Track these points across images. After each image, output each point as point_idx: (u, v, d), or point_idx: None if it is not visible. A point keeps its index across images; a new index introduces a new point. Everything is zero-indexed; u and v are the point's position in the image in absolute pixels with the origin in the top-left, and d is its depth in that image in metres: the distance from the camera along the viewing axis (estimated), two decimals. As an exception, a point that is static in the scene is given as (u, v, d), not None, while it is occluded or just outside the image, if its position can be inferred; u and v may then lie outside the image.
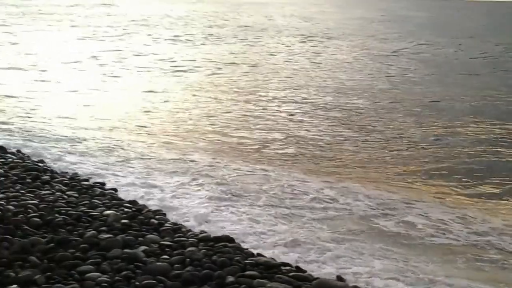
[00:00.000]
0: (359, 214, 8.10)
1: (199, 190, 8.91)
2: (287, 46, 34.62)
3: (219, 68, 23.89)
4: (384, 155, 11.30)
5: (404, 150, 11.64)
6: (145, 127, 13.38)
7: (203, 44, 34.85)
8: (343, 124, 13.75)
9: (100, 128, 12.99)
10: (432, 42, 37.84)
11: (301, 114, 14.93)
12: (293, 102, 16.52)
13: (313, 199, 8.59)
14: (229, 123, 13.77)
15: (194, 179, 9.43)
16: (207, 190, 8.85)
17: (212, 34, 41.80)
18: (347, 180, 9.61)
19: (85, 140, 11.81)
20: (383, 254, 6.83)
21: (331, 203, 8.47)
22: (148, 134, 12.69)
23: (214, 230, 7.14)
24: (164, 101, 16.57)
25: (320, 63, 26.55)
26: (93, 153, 10.85)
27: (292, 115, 14.78)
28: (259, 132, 12.89)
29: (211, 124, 13.67)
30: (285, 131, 12.99)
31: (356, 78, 21.50)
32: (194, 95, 17.60)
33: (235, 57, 28.38)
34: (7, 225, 6.43)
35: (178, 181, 9.26)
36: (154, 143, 11.84)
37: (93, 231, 6.44)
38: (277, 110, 15.32)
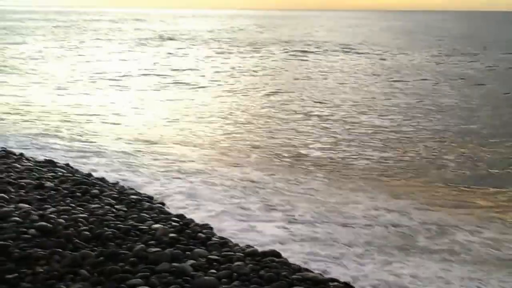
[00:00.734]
0: (407, 232, 7.89)
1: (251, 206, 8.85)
2: (331, 61, 34.67)
3: (267, 83, 24.09)
4: (434, 173, 10.93)
5: (455, 169, 11.20)
6: (198, 137, 13.59)
7: (252, 57, 35.27)
8: (390, 143, 13.27)
9: (149, 142, 13.10)
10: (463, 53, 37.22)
11: (351, 131, 14.75)
12: (341, 119, 16.38)
13: (362, 216, 8.43)
14: (281, 138, 13.70)
15: (245, 195, 9.38)
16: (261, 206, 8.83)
17: (257, 48, 42.27)
18: (397, 197, 9.36)
19: (137, 154, 11.95)
20: (430, 271, 6.69)
21: (380, 221, 8.27)
22: (201, 148, 12.68)
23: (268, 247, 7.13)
24: (213, 115, 16.65)
25: (358, 79, 26.41)
26: (146, 168, 10.91)
27: (337, 133, 14.56)
28: (311, 148, 12.70)
29: (263, 138, 13.65)
30: (337, 149, 12.68)
31: (401, 95, 21.23)
32: (245, 110, 17.66)
33: (283, 70, 28.64)
34: (58, 238, 6.55)
35: (235, 198, 9.19)
36: (207, 157, 11.86)
37: (142, 245, 6.51)
38: (329, 128, 15.04)
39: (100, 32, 66.22)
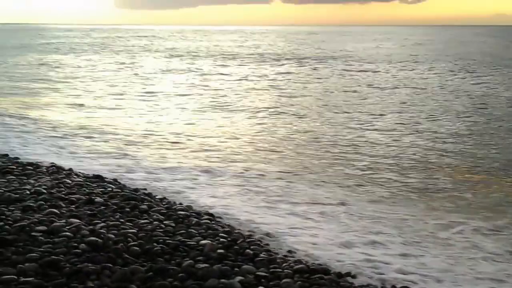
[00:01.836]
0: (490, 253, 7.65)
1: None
2: (382, 71, 34.52)
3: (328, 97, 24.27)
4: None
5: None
6: (272, 153, 13.62)
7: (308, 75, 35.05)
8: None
9: (222, 159, 13.04)
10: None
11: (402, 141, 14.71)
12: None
13: (434, 237, 8.22)
14: (351, 152, 13.69)
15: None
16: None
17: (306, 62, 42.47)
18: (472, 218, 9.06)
19: (213, 171, 11.90)
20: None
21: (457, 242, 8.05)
22: (279, 165, 12.60)
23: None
24: (280, 132, 16.63)
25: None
26: (229, 188, 10.83)
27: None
28: (391, 166, 12.40)
29: (335, 154, 13.58)
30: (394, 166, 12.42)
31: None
32: (308, 125, 17.65)
33: (340, 83, 29.00)
34: (108, 253, 6.61)
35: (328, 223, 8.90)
36: (286, 174, 11.75)
37: (190, 261, 6.52)
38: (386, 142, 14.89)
39: (147, 48, 67.43)
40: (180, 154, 13.58)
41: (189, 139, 15.31)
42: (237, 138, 15.51)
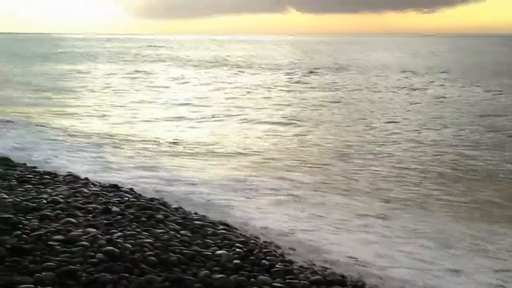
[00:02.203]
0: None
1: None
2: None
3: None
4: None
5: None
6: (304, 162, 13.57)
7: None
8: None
9: (258, 170, 13.02)
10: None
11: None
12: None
13: (483, 250, 8.07)
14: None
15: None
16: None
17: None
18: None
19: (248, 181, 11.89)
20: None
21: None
22: (311, 174, 12.54)
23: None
24: (311, 141, 16.65)
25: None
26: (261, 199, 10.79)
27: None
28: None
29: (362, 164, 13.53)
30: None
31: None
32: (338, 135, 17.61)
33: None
34: (124, 263, 6.61)
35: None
36: (319, 184, 11.70)
37: (207, 271, 6.51)
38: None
39: (165, 57, 67.79)
40: (211, 164, 13.57)
41: (216, 149, 15.32)
42: (262, 148, 15.51)
